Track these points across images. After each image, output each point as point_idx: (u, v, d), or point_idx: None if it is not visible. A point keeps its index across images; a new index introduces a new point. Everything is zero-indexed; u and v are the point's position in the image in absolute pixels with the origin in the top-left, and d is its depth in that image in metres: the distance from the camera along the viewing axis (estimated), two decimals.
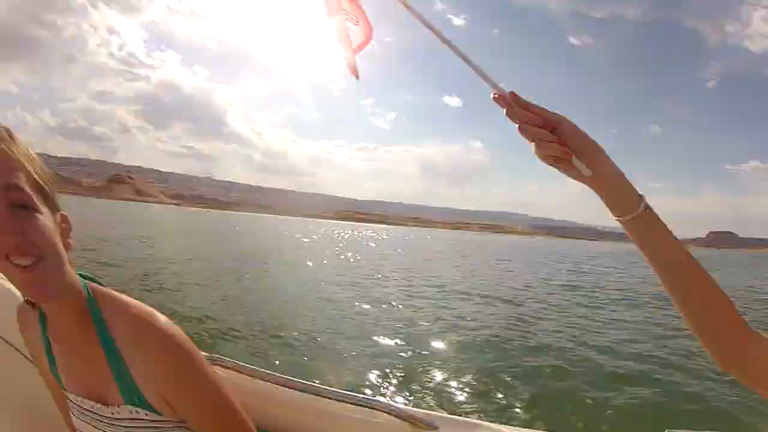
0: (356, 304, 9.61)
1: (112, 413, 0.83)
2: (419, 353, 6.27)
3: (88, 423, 0.86)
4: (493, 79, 0.70)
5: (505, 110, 0.69)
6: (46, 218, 0.74)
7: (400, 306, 9.82)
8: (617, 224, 0.69)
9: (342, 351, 6.14)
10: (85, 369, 0.85)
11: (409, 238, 68.58)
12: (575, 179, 0.70)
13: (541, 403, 4.81)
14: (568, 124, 0.69)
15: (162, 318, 0.83)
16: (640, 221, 0.69)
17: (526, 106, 0.69)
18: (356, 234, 65.66)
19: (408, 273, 14.47)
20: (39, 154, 0.79)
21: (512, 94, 0.68)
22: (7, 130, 0.74)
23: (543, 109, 0.69)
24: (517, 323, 8.60)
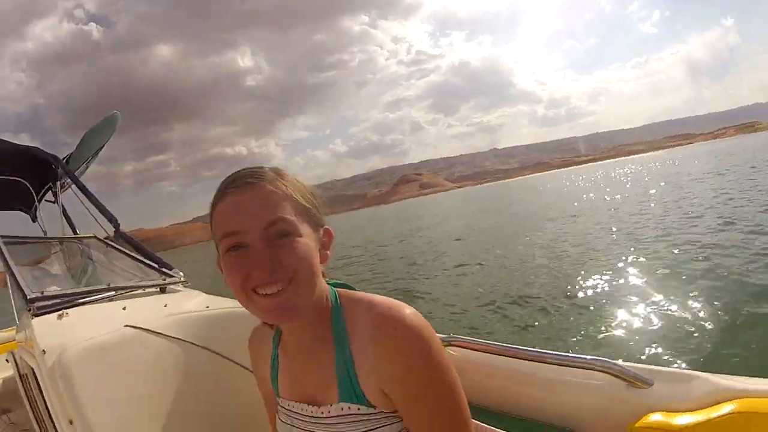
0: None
1: (322, 412, 0.86)
2: None
3: (290, 425, 0.92)
4: None
5: None
6: (306, 238, 0.80)
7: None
8: None
9: None
10: (308, 375, 0.90)
11: (664, 164, 57.67)
12: None
13: None
14: None
15: (407, 310, 0.81)
16: None
17: None
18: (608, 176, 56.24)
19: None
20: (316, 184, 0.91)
21: None
22: (274, 170, 0.84)
23: None
24: None
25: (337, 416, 0.84)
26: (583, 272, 7.82)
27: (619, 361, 1.13)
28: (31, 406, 1.72)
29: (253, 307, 0.80)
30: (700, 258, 7.19)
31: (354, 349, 0.83)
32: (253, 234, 0.77)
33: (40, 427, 1.68)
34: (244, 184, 0.80)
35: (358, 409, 0.83)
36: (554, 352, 1.21)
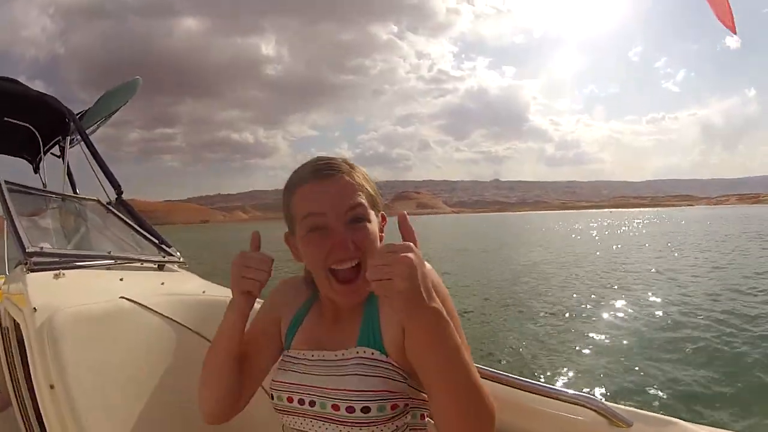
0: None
1: (336, 356, 0.92)
2: None
3: (293, 371, 0.94)
4: None
5: None
6: (373, 224, 0.92)
7: None
8: None
9: None
10: (332, 333, 0.96)
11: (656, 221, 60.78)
12: None
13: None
14: None
15: (431, 268, 0.87)
16: None
17: None
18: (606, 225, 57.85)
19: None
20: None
21: None
22: (347, 162, 0.95)
23: None
24: None
25: (351, 358, 0.89)
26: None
27: (602, 399, 1.15)
28: (7, 361, 1.67)
29: (328, 285, 0.91)
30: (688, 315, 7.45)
31: (381, 305, 0.91)
32: (335, 216, 0.88)
33: (13, 383, 1.64)
34: (326, 174, 0.90)
35: (372, 353, 0.89)
36: (541, 383, 1.23)
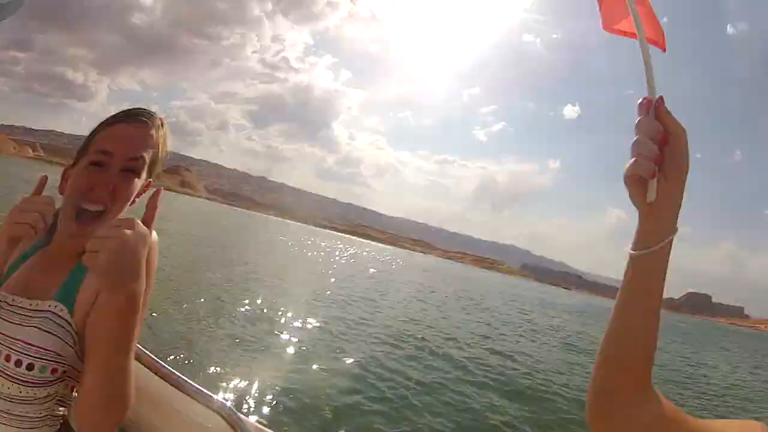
0: None
1: (31, 305, 0.88)
2: None
3: None
4: (654, 81, 0.64)
5: (639, 119, 0.62)
6: (139, 182, 0.94)
7: None
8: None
9: None
10: (46, 275, 0.93)
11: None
12: (632, 200, 0.63)
13: None
14: (685, 141, 0.62)
15: (155, 240, 0.89)
16: (655, 258, 0.61)
17: (663, 116, 0.62)
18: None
19: None
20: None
21: (661, 99, 0.63)
22: (161, 119, 0.99)
23: (673, 119, 0.62)
24: None
25: (43, 311, 0.88)
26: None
27: (233, 407, 1.19)
28: None
29: (67, 222, 0.91)
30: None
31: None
32: (118, 159, 0.91)
33: None
34: (139, 120, 0.96)
35: (62, 310, 0.88)
36: (183, 377, 1.23)
